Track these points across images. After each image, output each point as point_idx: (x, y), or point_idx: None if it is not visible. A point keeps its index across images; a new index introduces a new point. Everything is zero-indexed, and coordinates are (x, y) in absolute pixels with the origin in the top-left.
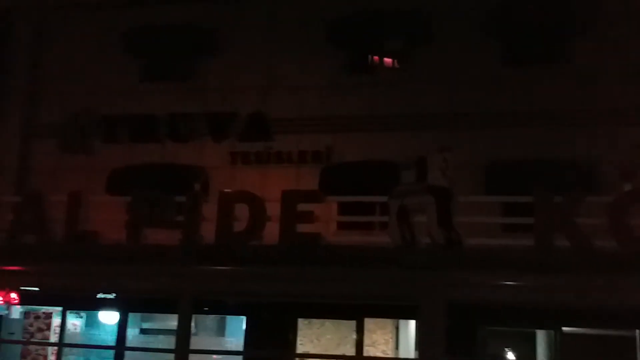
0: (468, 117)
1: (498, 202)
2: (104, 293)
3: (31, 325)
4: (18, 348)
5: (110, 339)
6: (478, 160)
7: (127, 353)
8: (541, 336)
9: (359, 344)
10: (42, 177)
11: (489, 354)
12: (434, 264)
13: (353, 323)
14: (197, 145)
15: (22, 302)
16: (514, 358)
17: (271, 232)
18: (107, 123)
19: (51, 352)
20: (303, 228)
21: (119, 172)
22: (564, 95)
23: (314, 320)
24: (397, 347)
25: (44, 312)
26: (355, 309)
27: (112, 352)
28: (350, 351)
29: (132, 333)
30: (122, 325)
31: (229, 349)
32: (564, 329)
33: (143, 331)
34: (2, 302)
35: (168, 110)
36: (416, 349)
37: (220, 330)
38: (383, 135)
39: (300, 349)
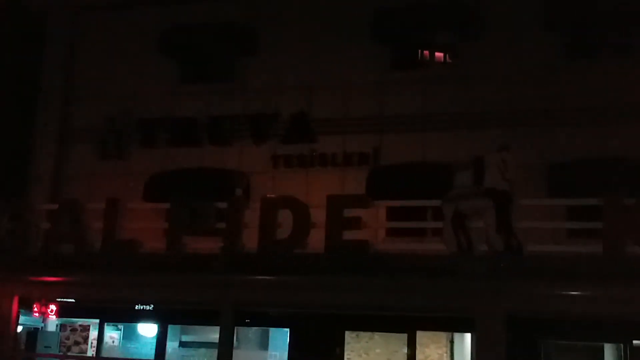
0: (528, 114)
1: (562, 206)
2: (142, 304)
3: (67, 338)
4: None
5: (149, 352)
6: (540, 161)
7: None
8: (610, 350)
9: (411, 359)
10: (78, 183)
11: None
12: (493, 273)
13: (404, 336)
14: (237, 148)
15: (58, 314)
16: None
17: (316, 239)
18: (144, 127)
19: None
20: (350, 235)
21: (157, 178)
22: (634, 90)
23: (362, 333)
24: None
25: (80, 325)
26: (407, 322)
27: None
28: None
29: (171, 346)
30: (161, 338)
31: None
32: (635, 342)
33: (183, 344)
34: (38, 314)
35: (207, 113)
36: None
37: (263, 344)
38: (435, 134)
39: None
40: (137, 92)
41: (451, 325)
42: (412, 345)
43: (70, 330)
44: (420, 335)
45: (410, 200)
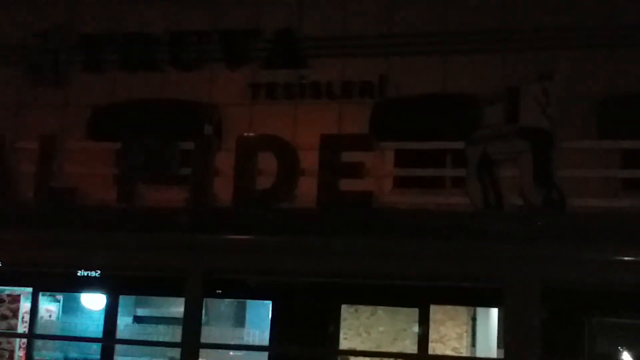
0: (576, 32)
1: (617, 150)
2: (87, 270)
3: None
4: None
5: (96, 328)
6: (590, 93)
7: (118, 347)
8: None
9: (423, 339)
10: (3, 116)
11: (597, 354)
12: (527, 234)
13: (415, 312)
14: (207, 74)
15: None
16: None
17: (306, 190)
18: (88, 45)
19: (19, 345)
20: (349, 185)
21: (105, 111)
22: None
23: (363, 308)
24: (473, 344)
25: (9, 295)
26: (418, 293)
27: (98, 346)
28: (411, 348)
29: (124, 322)
30: (110, 312)
31: (250, 343)
32: None
33: (138, 319)
34: None
35: (169, 28)
36: (499, 347)
37: (240, 319)
38: (458, 58)
39: (344, 344)
40: None
41: (474, 298)
42: (424, 322)
43: None
44: (435, 311)
45: (425, 141)
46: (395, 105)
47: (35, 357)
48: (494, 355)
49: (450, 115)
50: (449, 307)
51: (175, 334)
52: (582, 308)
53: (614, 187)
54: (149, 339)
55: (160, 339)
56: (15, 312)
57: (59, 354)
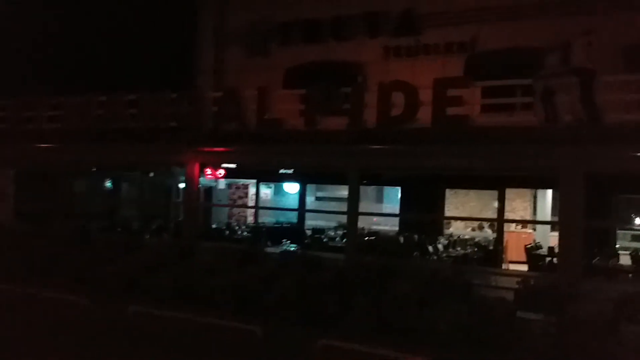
0: (610, 1)
1: (636, 80)
2: (286, 169)
3: (233, 194)
4: (225, 211)
5: (294, 204)
6: (619, 41)
7: (307, 215)
8: None
9: (500, 211)
10: (232, 76)
11: (620, 217)
12: (575, 139)
13: (495, 193)
14: (356, 42)
15: (226, 176)
16: None
17: (424, 115)
18: (281, 28)
19: (250, 213)
20: (452, 111)
21: (293, 70)
22: None
23: (460, 191)
24: (534, 213)
25: (242, 184)
26: (498, 180)
27: (294, 214)
28: (492, 216)
29: (309, 200)
30: (302, 194)
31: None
32: None
33: (318, 198)
34: (211, 177)
35: (331, 13)
36: (552, 215)
37: (379, 198)
38: (526, 22)
39: (447, 214)
40: None
41: (536, 183)
42: (501, 199)
43: (235, 188)
44: (509, 192)
45: (504, 79)
46: (482, 56)
47: (259, 221)
48: (549, 220)
49: (521, 63)
50: (518, 189)
51: (341, 207)
52: (611, 188)
53: (635, 106)
54: (327, 210)
55: (333, 210)
56: (246, 194)
57: (272, 219)
